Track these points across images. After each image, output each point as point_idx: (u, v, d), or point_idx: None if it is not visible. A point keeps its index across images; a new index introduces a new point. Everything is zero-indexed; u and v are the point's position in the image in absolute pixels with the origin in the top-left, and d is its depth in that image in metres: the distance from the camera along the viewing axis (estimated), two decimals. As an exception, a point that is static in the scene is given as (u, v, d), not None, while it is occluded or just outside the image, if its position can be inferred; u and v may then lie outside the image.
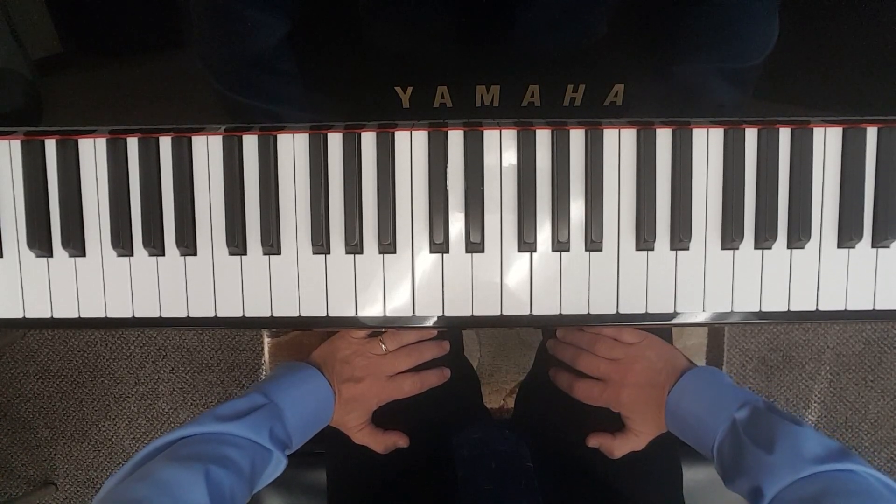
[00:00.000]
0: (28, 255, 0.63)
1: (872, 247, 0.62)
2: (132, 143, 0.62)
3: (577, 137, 0.61)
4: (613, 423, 0.73)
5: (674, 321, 0.62)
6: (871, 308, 0.62)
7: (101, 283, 0.63)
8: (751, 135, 0.61)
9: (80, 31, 0.57)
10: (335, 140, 0.61)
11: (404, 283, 0.63)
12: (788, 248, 0.62)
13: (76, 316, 0.64)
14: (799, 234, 0.61)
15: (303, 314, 0.63)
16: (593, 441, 0.73)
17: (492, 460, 0.70)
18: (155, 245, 0.62)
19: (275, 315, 0.63)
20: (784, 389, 1.58)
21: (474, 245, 0.61)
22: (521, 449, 0.72)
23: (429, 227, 0.62)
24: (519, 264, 0.62)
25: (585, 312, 0.62)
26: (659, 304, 0.62)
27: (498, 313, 0.62)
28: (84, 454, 1.66)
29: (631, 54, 0.57)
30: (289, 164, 0.62)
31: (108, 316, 0.64)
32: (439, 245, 0.61)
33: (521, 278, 0.62)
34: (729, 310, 0.62)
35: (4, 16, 0.56)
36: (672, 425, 0.67)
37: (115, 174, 0.62)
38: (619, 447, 0.72)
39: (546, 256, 0.62)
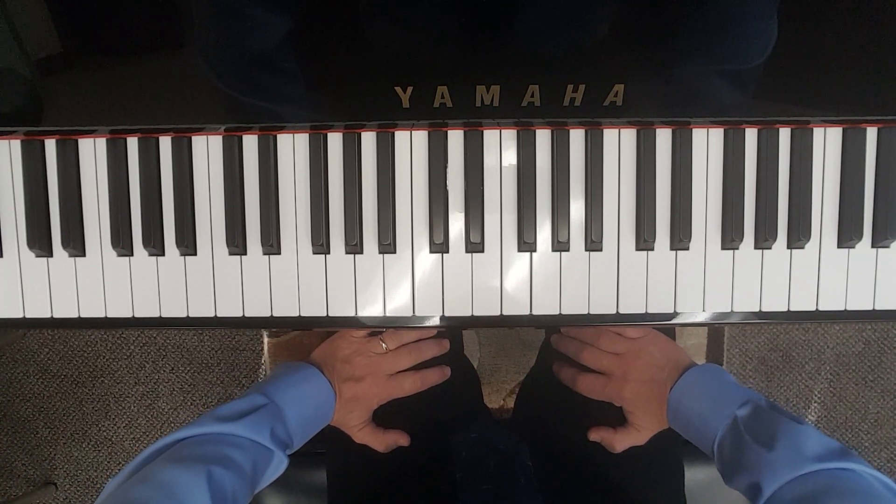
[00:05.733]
0: (28, 254, 0.63)
1: (872, 247, 0.62)
2: (132, 143, 0.62)
3: (577, 137, 0.61)
4: (615, 420, 0.73)
5: (674, 321, 0.62)
6: (871, 308, 0.62)
7: (101, 283, 0.63)
8: (751, 135, 0.61)
9: (80, 31, 0.57)
10: (335, 140, 0.61)
11: (404, 283, 0.63)
12: (788, 248, 0.62)
13: (76, 316, 0.64)
14: (799, 234, 0.61)
15: (303, 314, 0.63)
16: (594, 435, 0.73)
17: (491, 459, 0.70)
18: (155, 245, 0.62)
19: (275, 315, 0.63)
20: (784, 389, 1.58)
21: (474, 245, 0.61)
22: (521, 447, 0.73)
23: (429, 227, 0.62)
24: (519, 264, 0.62)
25: (585, 312, 0.62)
26: (659, 304, 0.62)
27: (498, 313, 0.62)
28: (84, 454, 1.66)
29: (631, 54, 0.57)
30: (289, 164, 0.62)
31: (108, 316, 0.64)
32: (439, 245, 0.61)
33: (521, 278, 0.62)
34: (729, 310, 0.62)
35: (4, 16, 0.55)
36: (674, 421, 0.67)
37: (115, 174, 0.62)
38: (620, 441, 0.72)
39: (546, 256, 0.62)
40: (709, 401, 0.63)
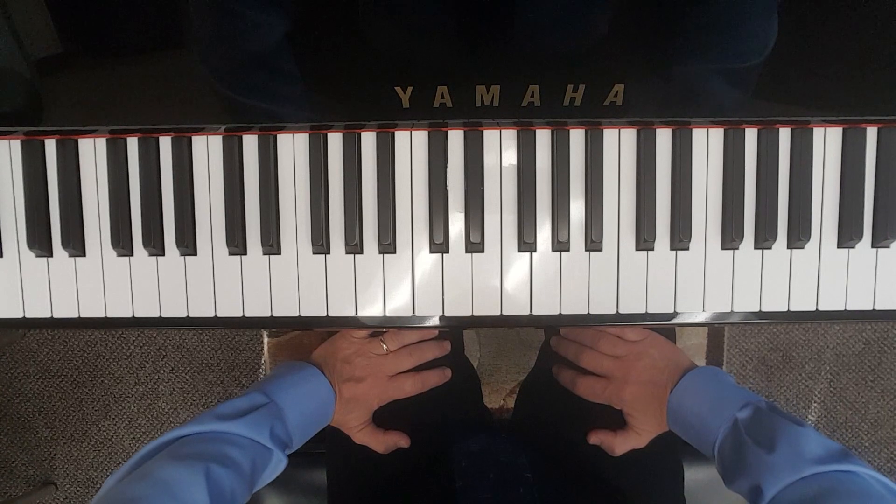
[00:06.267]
0: (28, 255, 0.63)
1: (872, 247, 0.62)
2: (132, 143, 0.62)
3: (577, 137, 0.61)
4: (615, 422, 0.73)
5: (674, 321, 0.62)
6: (871, 308, 0.62)
7: (101, 283, 0.63)
8: (751, 135, 0.61)
9: (80, 31, 0.57)
10: (335, 140, 0.61)
11: (404, 283, 0.63)
12: (788, 248, 0.62)
13: (76, 316, 0.64)
14: (799, 234, 0.61)
15: (303, 314, 0.63)
16: (594, 438, 0.73)
17: (490, 470, 0.70)
18: (155, 245, 0.62)
19: (275, 315, 0.63)
20: (784, 389, 1.58)
21: (474, 245, 0.61)
22: (520, 458, 0.72)
23: (429, 227, 0.62)
24: (519, 264, 0.62)
25: (585, 312, 0.62)
26: (659, 304, 0.62)
27: (498, 313, 0.62)
28: (84, 454, 1.66)
29: (631, 54, 0.57)
30: (289, 164, 0.62)
31: (108, 316, 0.64)
32: (439, 245, 0.61)
33: (520, 278, 0.62)
34: (729, 310, 0.62)
35: (4, 16, 0.56)
36: (674, 424, 0.67)
37: (115, 174, 0.62)
38: (620, 444, 0.72)
39: (546, 256, 0.62)
40: (709, 403, 0.63)
